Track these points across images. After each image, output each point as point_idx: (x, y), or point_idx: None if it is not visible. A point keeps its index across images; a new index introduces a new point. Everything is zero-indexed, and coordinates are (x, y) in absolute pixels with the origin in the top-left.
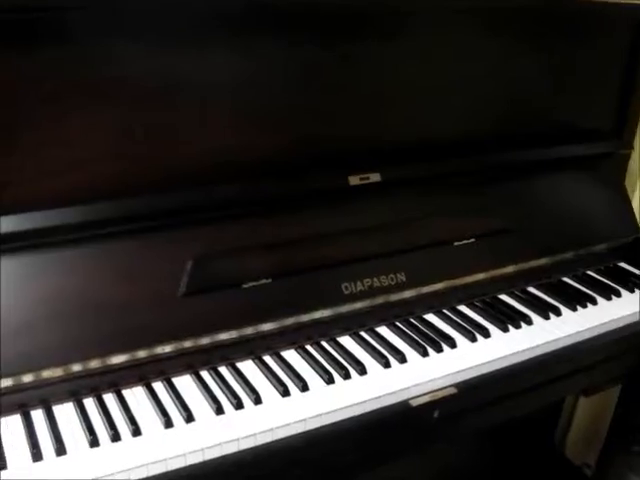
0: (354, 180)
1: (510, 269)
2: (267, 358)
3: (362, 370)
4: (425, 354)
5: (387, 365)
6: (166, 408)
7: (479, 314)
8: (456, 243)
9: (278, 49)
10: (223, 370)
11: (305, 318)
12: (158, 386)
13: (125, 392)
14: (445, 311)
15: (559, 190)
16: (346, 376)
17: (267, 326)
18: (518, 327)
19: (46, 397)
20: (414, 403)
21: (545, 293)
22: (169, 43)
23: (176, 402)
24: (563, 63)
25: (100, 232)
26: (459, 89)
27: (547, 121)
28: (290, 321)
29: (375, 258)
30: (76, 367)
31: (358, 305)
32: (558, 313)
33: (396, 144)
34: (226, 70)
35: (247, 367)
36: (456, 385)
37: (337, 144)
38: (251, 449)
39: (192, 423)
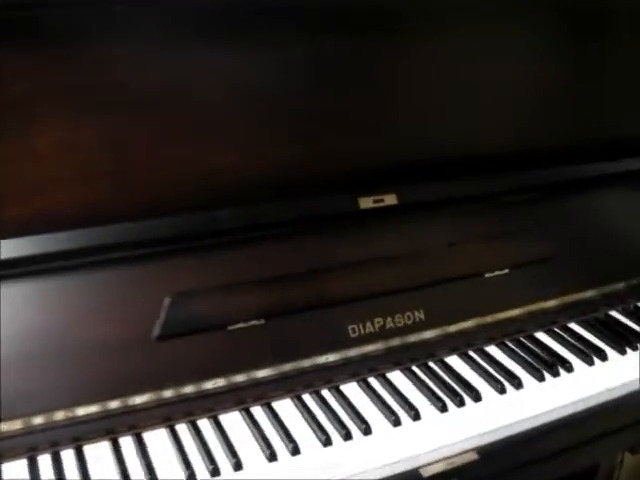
0: (366, 203)
1: (550, 303)
2: (257, 409)
3: (367, 429)
4: (444, 409)
5: (397, 423)
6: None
7: (511, 357)
8: (487, 275)
9: (283, 49)
10: (204, 423)
11: (305, 364)
12: (125, 440)
13: (87, 447)
14: (471, 353)
15: (607, 209)
16: (347, 436)
17: (260, 373)
18: (556, 375)
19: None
20: (425, 473)
21: (590, 331)
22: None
23: (141, 459)
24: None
25: (67, 264)
26: (489, 96)
27: (594, 132)
28: (287, 367)
29: (389, 294)
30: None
31: (368, 348)
32: (604, 357)
33: (415, 160)
34: (217, 75)
35: (232, 419)
36: (478, 450)
37: (345, 160)
38: None
39: None
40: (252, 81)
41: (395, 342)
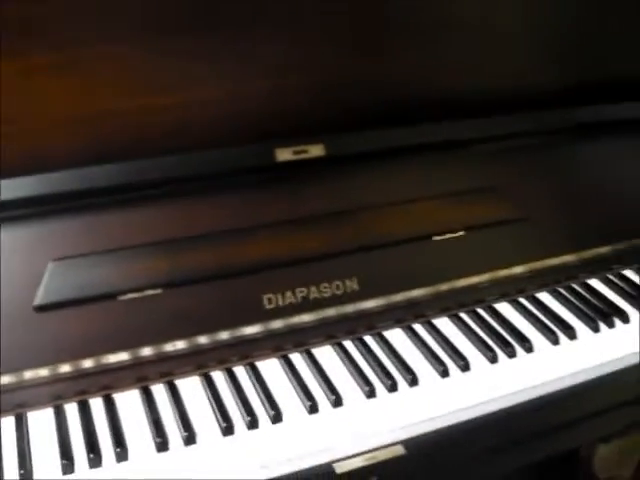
0: (284, 154)
1: (517, 270)
2: (157, 388)
3: (277, 417)
4: (371, 394)
5: (313, 410)
6: None
7: (463, 332)
8: (436, 238)
9: None
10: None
11: (204, 340)
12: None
13: None
14: (416, 328)
15: (596, 160)
16: (252, 425)
17: (146, 351)
18: (512, 356)
19: None
20: (339, 469)
21: (562, 303)
22: None
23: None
24: None
25: None
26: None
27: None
28: (180, 345)
29: (313, 260)
30: None
31: (292, 320)
32: (572, 336)
33: (349, 103)
34: None
35: (126, 398)
36: (405, 442)
37: (262, 103)
38: None
39: None
40: None
41: (324, 314)
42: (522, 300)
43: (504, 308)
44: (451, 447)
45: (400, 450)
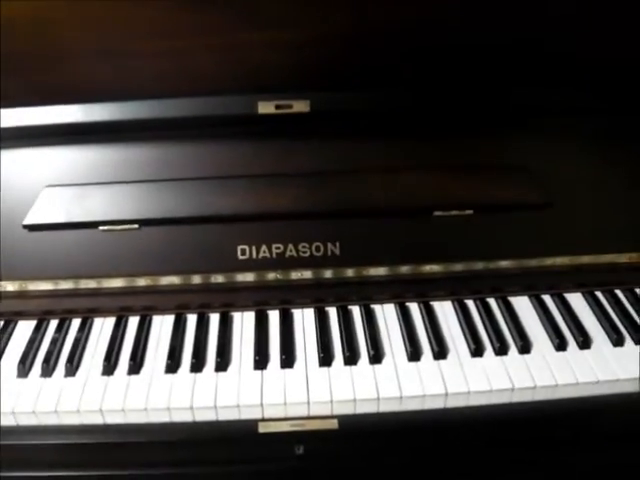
0: (266, 107)
1: (505, 264)
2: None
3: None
4: (325, 363)
5: (259, 367)
6: None
7: (427, 321)
8: (437, 213)
9: None
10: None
11: (164, 281)
12: None
13: None
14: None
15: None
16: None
17: (115, 282)
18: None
19: None
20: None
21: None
22: None
23: None
24: None
25: None
26: None
27: None
28: (142, 282)
29: (294, 217)
30: None
31: (265, 276)
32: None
33: (341, 57)
34: None
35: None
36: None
37: (249, 55)
38: None
39: None
40: None
41: (299, 275)
42: None
43: None
44: None
45: None
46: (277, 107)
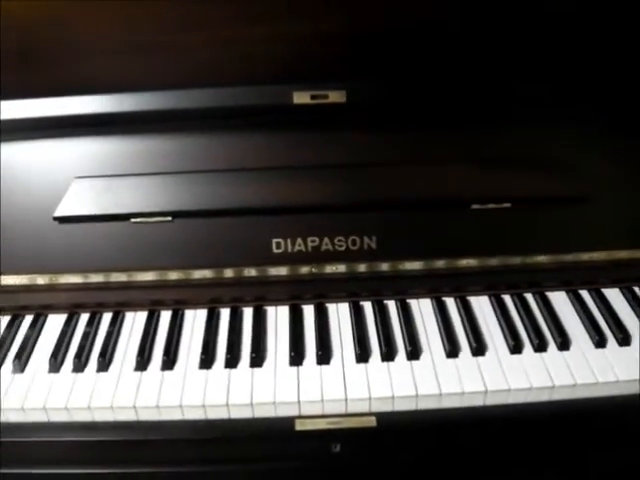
0: (301, 98)
1: (541, 258)
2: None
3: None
4: (362, 359)
5: (295, 363)
6: None
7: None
8: (475, 206)
9: None
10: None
11: (197, 275)
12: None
13: None
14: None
15: None
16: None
17: (146, 276)
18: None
19: None
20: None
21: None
22: None
23: None
24: None
25: None
26: None
27: None
28: (174, 276)
29: (330, 210)
30: None
31: (299, 270)
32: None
33: (379, 46)
34: None
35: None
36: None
37: (284, 46)
38: None
39: None
40: None
41: (334, 269)
42: None
43: None
44: None
45: None
46: (313, 97)
